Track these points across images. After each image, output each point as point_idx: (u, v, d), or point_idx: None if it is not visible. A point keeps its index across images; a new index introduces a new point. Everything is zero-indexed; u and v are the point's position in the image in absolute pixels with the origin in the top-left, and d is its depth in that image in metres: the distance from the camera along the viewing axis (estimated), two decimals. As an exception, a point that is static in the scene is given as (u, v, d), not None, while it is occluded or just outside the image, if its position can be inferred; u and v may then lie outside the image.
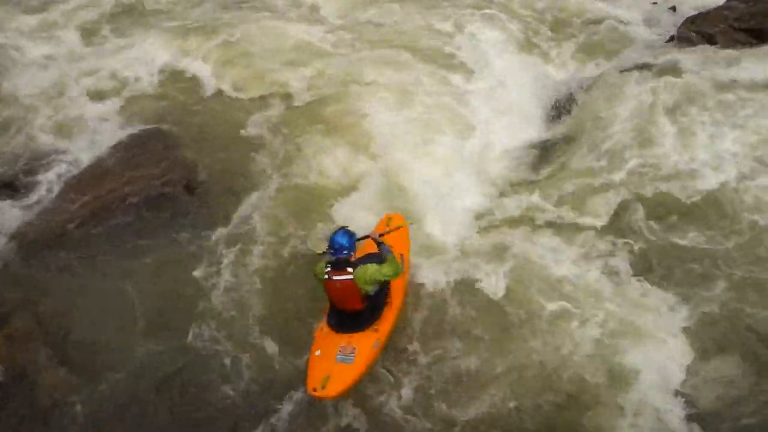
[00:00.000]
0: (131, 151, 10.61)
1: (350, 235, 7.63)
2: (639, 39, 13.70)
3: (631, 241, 9.02)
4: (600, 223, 9.28)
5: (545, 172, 10.47)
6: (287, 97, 11.81)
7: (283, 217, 9.51)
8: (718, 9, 13.16)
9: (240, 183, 10.10)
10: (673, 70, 11.40)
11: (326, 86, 11.83)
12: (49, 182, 10.32)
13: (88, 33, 13.86)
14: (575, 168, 10.21)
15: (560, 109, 11.95)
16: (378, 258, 7.86)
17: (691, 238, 8.97)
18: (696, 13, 13.51)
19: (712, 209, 9.19)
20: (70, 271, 8.97)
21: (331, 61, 12.47)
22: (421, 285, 8.59)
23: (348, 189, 9.92)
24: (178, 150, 10.62)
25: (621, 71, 11.88)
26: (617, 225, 9.26)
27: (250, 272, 8.85)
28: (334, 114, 11.13)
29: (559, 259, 8.84)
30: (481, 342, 8.01)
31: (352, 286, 7.51)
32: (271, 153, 10.60)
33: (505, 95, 12.15)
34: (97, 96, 11.97)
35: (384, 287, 7.90)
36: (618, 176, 9.79)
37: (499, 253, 8.91)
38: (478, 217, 9.77)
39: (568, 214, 9.46)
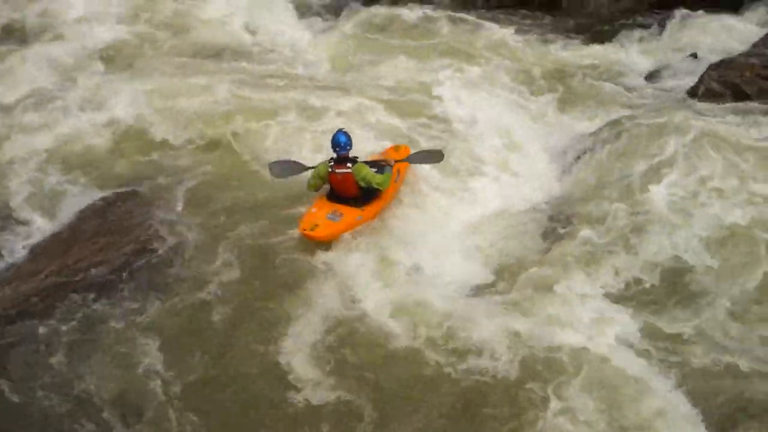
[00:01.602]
0: (103, 216, 10.39)
1: (348, 135, 10.11)
2: (658, 90, 13.61)
3: (649, 320, 8.59)
4: (609, 293, 8.92)
5: (554, 239, 10.01)
6: (270, 153, 11.68)
7: (266, 286, 9.26)
8: (743, 55, 13.04)
9: (221, 249, 9.76)
10: (697, 124, 10.94)
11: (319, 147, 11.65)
12: (11, 251, 10.11)
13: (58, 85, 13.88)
14: (585, 235, 9.73)
15: (572, 167, 11.61)
16: (379, 169, 10.36)
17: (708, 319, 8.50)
18: (719, 60, 13.33)
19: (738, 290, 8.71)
20: (32, 347, 8.53)
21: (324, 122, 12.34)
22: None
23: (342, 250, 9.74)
24: (153, 214, 10.36)
25: (638, 125, 11.42)
26: (628, 296, 8.90)
27: (228, 357, 8.47)
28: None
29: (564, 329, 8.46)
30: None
31: (350, 178, 9.99)
32: (255, 214, 10.38)
33: (511, 154, 12.03)
34: (64, 157, 11.80)
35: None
36: (633, 244, 9.38)
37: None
38: (475, 287, 9.41)
39: (575, 284, 9.01)
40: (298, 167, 10.57)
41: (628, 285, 9.05)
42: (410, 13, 17.13)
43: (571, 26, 16.81)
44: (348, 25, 17.02)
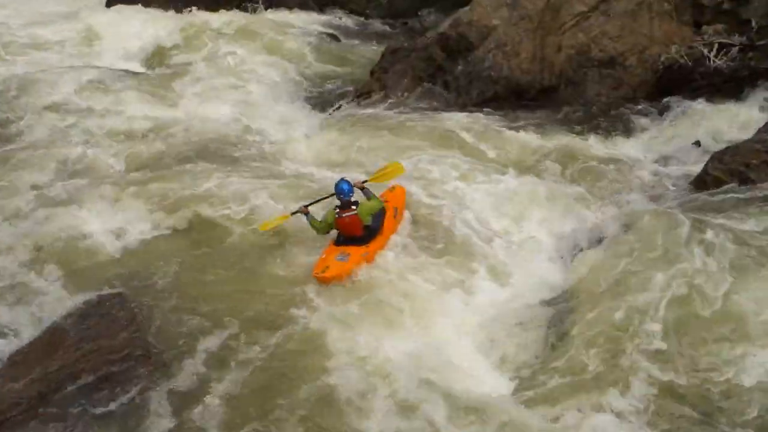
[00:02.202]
0: (88, 321, 10.07)
1: (349, 182, 11.43)
2: (662, 180, 13.47)
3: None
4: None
5: (554, 346, 9.64)
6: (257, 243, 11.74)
7: (254, 405, 8.97)
8: (749, 142, 12.81)
9: (211, 359, 9.52)
10: (702, 215, 10.85)
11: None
12: (-11, 359, 9.70)
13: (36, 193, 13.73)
14: (587, 344, 9.29)
15: (575, 261, 11.32)
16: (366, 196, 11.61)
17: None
18: (723, 147, 13.16)
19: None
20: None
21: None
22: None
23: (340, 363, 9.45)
24: (141, 318, 10.09)
25: (643, 218, 11.17)
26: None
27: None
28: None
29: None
30: None
31: (356, 219, 11.30)
32: (248, 322, 10.16)
33: (511, 243, 11.99)
34: (45, 257, 11.64)
35: (378, 222, 11.75)
36: (639, 352, 8.97)
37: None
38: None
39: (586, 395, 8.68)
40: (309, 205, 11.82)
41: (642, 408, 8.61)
42: (402, 111, 17.00)
43: (570, 116, 16.61)
44: (340, 122, 16.95)
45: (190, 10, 24.71)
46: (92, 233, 12.20)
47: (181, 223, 12.39)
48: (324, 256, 11.23)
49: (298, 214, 11.78)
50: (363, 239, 11.53)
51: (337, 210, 11.42)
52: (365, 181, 11.90)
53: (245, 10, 25.32)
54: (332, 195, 11.74)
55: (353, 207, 11.40)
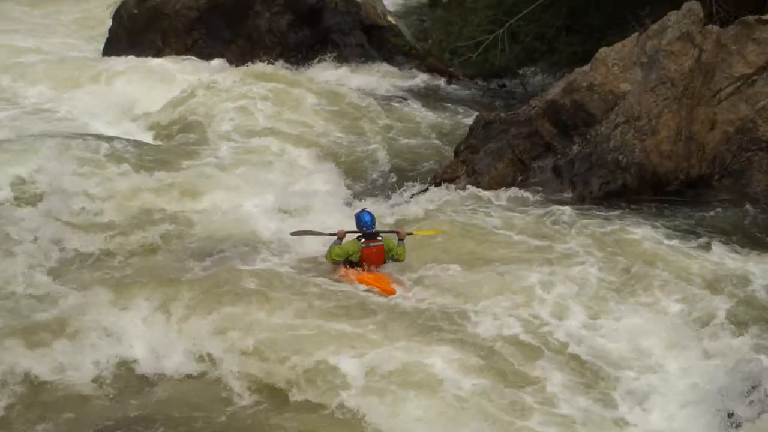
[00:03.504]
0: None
1: (372, 214, 12.66)
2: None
3: None
4: None
5: None
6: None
7: None
8: None
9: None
10: None
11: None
12: None
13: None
14: None
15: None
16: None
17: None
18: None
19: None
20: None
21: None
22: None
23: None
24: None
25: None
26: None
27: None
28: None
29: None
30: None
31: (382, 249, 12.40)
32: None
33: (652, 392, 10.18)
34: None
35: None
36: None
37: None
38: None
39: None
40: (317, 233, 12.96)
41: None
42: (497, 205, 15.13)
43: (731, 219, 14.42)
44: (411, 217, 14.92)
45: (212, 62, 23.43)
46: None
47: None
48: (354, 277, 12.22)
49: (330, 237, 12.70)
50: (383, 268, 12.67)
51: (363, 240, 12.40)
52: (410, 233, 13.00)
53: (288, 61, 23.94)
54: (333, 234, 12.71)
55: (378, 238, 12.47)
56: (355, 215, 12.67)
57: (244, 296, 11.58)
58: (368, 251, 12.34)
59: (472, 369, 10.22)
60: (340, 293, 11.99)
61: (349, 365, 10.28)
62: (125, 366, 10.54)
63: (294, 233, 13.03)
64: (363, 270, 12.38)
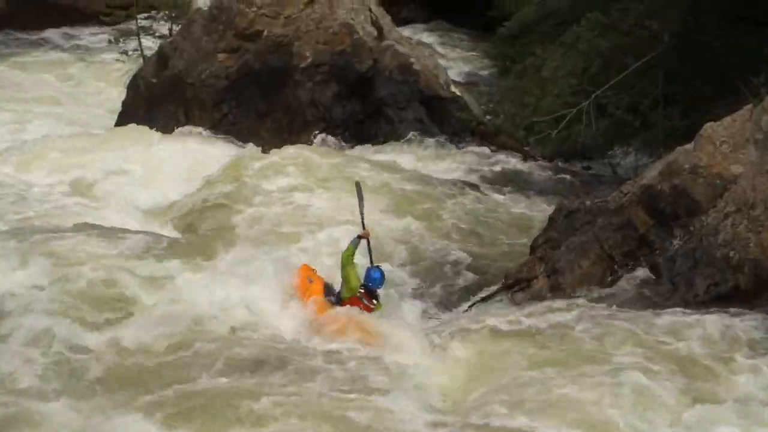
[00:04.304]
0: None
1: (383, 272, 12.92)
2: None
3: None
4: None
5: None
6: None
7: None
8: None
9: None
10: None
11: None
12: None
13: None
14: None
15: None
16: None
17: None
18: None
19: None
20: None
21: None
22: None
23: None
24: None
25: None
26: None
27: None
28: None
29: None
30: None
31: (368, 311, 12.58)
32: None
33: None
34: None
35: None
36: None
37: None
38: None
39: None
40: (362, 206, 13.72)
41: None
42: (582, 313, 13.68)
43: None
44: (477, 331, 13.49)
45: (243, 146, 22.05)
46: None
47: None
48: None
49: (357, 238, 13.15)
50: None
51: (362, 290, 12.57)
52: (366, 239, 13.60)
53: (334, 138, 22.77)
54: (363, 224, 13.46)
55: (375, 302, 12.62)
56: (367, 269, 12.80)
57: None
58: (356, 301, 12.55)
59: None
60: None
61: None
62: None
63: (359, 186, 13.96)
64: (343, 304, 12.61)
